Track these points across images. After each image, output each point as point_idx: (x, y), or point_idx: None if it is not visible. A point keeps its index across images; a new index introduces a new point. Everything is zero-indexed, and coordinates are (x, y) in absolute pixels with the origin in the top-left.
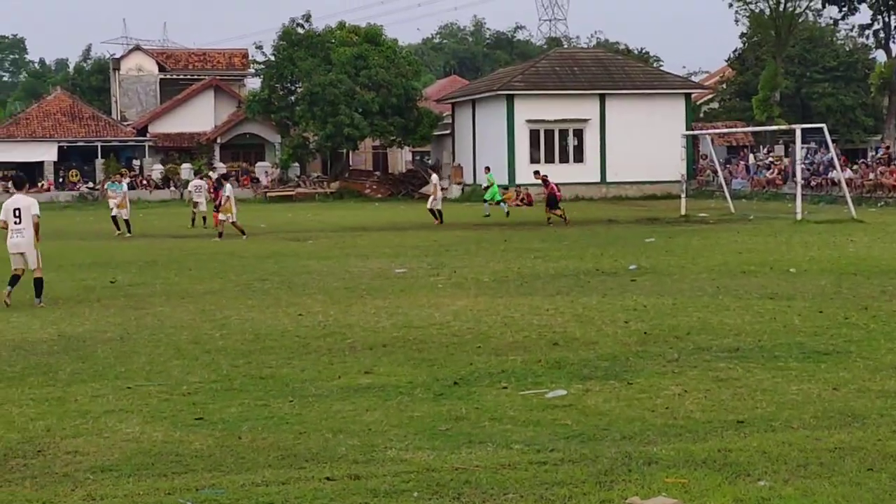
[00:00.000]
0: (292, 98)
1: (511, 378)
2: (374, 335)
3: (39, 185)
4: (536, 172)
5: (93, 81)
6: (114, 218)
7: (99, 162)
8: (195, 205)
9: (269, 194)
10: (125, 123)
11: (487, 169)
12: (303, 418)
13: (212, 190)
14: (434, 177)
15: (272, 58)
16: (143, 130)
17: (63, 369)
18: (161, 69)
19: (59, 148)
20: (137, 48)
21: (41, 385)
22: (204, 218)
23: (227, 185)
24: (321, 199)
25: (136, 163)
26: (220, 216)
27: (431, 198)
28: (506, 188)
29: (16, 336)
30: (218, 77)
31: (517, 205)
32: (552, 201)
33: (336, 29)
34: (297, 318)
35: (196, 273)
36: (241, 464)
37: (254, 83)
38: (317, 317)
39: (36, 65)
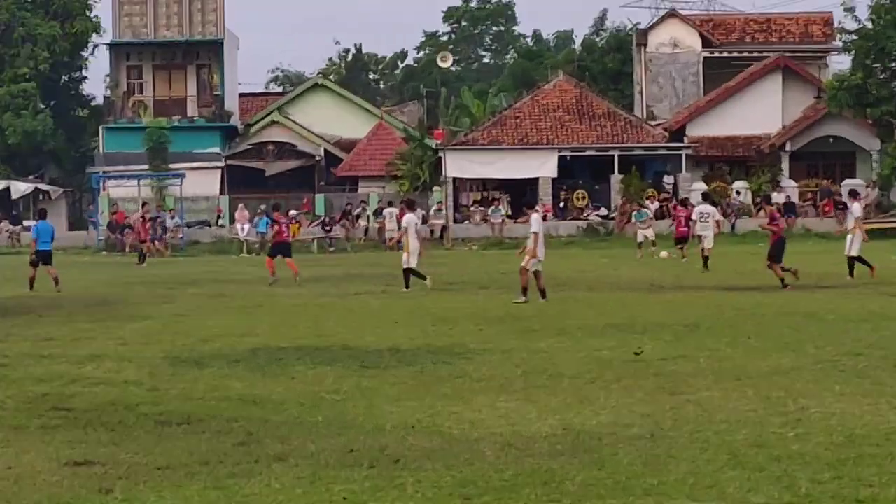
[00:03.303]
0: None
1: None
2: None
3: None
4: (767, 198)
5: (608, 63)
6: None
7: (615, 178)
8: (700, 239)
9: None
10: (653, 123)
11: None
12: None
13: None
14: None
15: (868, 24)
16: (678, 133)
17: (571, 478)
18: (705, 44)
19: (561, 159)
20: (672, 14)
21: (541, 499)
22: (706, 258)
23: (410, 216)
24: None
25: (667, 179)
26: (403, 258)
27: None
28: None
29: (505, 429)
30: (787, 55)
31: None
32: (777, 250)
33: None
34: None
35: (757, 343)
36: None
37: (841, 63)
38: None
39: (528, 40)
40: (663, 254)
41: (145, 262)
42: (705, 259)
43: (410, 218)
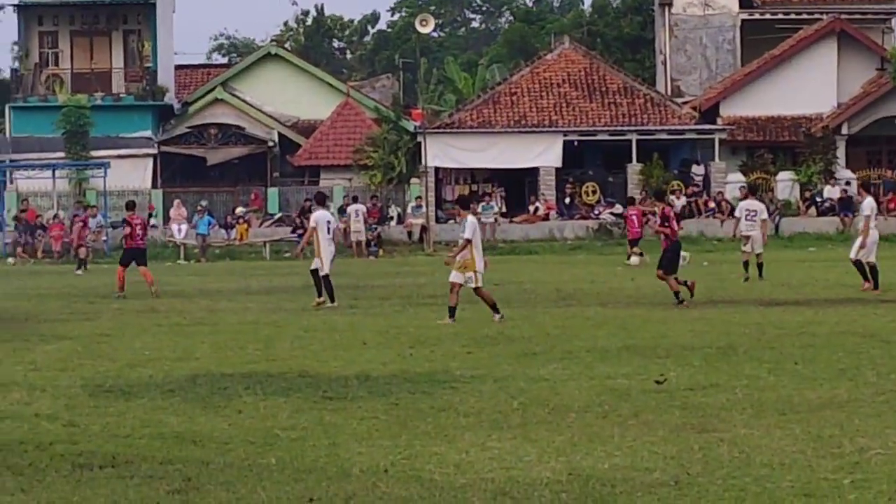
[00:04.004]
0: None
1: None
2: None
3: (533, 208)
4: (660, 193)
5: (624, 27)
6: None
7: (632, 168)
8: (745, 241)
9: None
10: (680, 101)
11: None
12: None
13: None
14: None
15: None
16: (709, 113)
17: None
18: (744, 4)
19: (567, 144)
20: None
21: None
22: (760, 265)
23: (320, 213)
24: None
25: (696, 170)
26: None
27: None
28: None
29: (498, 473)
30: (844, 17)
31: None
32: (668, 259)
33: None
34: None
35: (805, 369)
36: None
37: None
38: None
39: (527, 1)
40: (634, 259)
41: (83, 270)
42: (759, 266)
43: (321, 216)
